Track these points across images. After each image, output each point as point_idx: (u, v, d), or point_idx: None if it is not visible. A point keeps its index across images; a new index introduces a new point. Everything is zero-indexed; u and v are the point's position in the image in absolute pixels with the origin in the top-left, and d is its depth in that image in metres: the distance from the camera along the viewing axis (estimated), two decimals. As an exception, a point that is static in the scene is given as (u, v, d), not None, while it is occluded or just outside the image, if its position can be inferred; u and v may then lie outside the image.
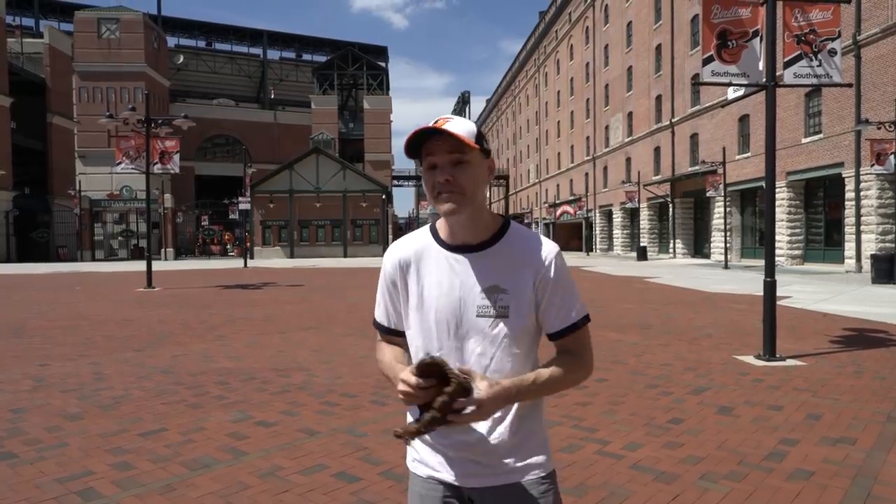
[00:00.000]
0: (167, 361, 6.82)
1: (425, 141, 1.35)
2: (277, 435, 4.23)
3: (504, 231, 1.43)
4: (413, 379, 1.26)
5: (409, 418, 1.48)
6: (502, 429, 1.40)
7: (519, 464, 1.41)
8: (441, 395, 1.24)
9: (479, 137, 1.37)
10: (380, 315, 1.54)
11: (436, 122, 1.35)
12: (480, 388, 1.27)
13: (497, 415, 1.37)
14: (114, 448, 3.95)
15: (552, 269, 1.40)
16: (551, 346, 1.48)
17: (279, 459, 3.75)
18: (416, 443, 1.47)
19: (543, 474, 1.44)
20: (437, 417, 1.26)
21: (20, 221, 39.83)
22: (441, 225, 1.46)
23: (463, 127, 1.35)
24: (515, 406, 1.39)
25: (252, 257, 37.73)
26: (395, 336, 1.53)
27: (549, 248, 1.42)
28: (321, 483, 3.39)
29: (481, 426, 1.37)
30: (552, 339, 1.45)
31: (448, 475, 1.43)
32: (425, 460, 1.46)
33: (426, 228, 1.49)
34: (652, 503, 3.12)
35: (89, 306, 12.72)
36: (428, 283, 1.42)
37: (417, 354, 1.46)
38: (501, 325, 1.38)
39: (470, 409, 1.25)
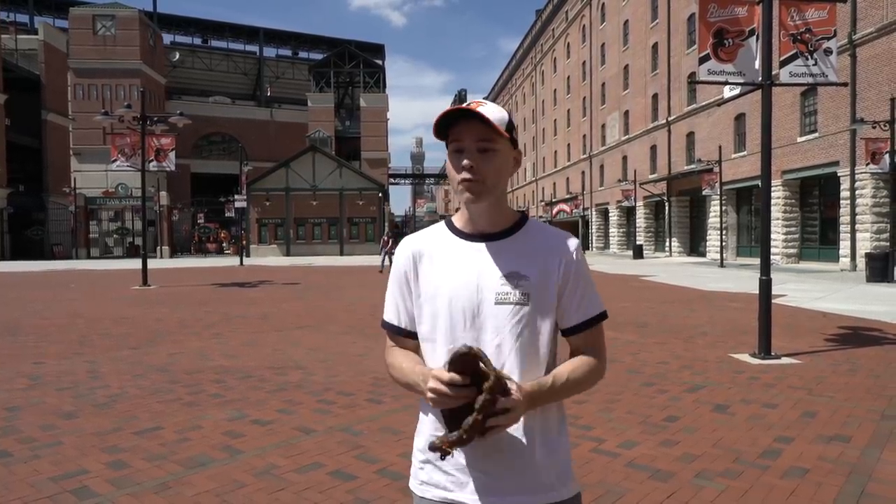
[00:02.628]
0: (163, 360, 6.80)
1: (454, 124, 1.30)
2: (273, 433, 4.22)
3: (523, 222, 1.39)
4: (447, 375, 1.16)
5: (425, 422, 1.36)
6: (527, 437, 1.30)
7: (544, 479, 1.31)
8: (481, 393, 1.12)
9: (510, 126, 1.32)
10: (390, 315, 1.44)
11: (468, 105, 1.28)
12: (512, 388, 1.19)
13: (520, 423, 1.27)
14: (109, 447, 3.94)
15: (576, 260, 1.36)
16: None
17: (275, 458, 3.74)
18: (424, 462, 1.35)
19: (570, 496, 1.34)
20: (479, 420, 1.13)
21: (15, 219, 39.70)
22: (458, 216, 1.42)
23: (495, 113, 1.28)
24: (539, 411, 1.30)
25: (248, 255, 37.63)
26: (405, 339, 1.42)
27: (572, 238, 1.40)
28: (317, 481, 3.38)
29: (504, 433, 1.26)
30: (569, 333, 1.39)
31: (465, 495, 1.30)
32: (436, 481, 1.33)
33: (441, 223, 1.44)
34: (647, 501, 3.13)
35: (85, 304, 12.67)
36: (443, 271, 1.35)
37: (434, 352, 1.34)
38: (522, 313, 1.30)
39: (510, 408, 1.16)
